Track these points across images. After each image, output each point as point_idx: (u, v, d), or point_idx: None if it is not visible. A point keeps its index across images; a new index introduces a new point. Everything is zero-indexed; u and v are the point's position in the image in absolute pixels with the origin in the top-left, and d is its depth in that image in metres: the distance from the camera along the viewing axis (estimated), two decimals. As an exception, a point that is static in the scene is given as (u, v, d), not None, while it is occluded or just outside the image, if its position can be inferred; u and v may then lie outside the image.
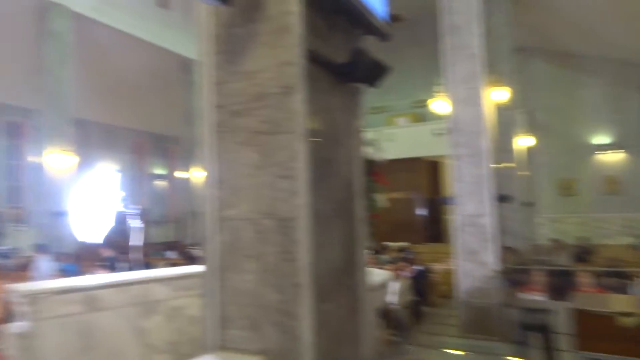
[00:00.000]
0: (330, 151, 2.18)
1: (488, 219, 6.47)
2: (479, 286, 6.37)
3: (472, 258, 6.47)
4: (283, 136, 1.90)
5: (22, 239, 17.00)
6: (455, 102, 6.82)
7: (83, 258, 11.82)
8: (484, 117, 6.83)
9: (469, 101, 6.77)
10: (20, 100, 16.24)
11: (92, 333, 2.92)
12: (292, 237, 1.85)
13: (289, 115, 1.89)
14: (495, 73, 9.86)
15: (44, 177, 13.18)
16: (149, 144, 23.53)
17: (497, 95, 10.29)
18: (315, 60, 2.01)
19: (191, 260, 9.94)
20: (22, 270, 7.50)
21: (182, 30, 17.15)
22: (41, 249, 6.90)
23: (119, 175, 4.67)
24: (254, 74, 1.97)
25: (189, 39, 17.29)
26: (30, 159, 17.84)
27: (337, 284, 2.15)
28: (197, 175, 17.89)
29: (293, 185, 1.87)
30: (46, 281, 3.67)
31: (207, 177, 2.10)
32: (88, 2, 14.61)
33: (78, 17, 14.12)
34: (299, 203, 1.86)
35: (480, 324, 6.20)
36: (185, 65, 18.42)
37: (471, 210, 6.53)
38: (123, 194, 4.24)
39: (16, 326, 2.80)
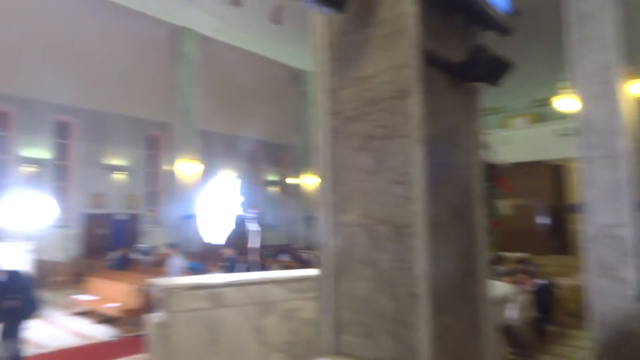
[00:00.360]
0: (447, 155, 2.08)
1: (628, 230, 5.66)
2: (616, 306, 5.60)
3: (607, 274, 5.71)
4: (398, 141, 1.86)
5: (157, 238, 19.18)
6: (585, 98, 6.11)
7: (207, 257, 12.96)
8: (621, 114, 6.03)
9: (602, 97, 6.02)
10: (157, 116, 18.39)
11: (216, 327, 3.15)
12: (407, 244, 1.80)
13: (404, 119, 1.85)
14: (635, 64, 8.66)
15: (175, 183, 14.78)
16: (263, 151, 25.03)
17: (638, 88, 9.01)
18: (431, 61, 1.94)
19: (303, 263, 10.29)
20: (158, 266, 8.47)
21: (293, 44, 17.96)
22: (173, 247, 7.67)
23: (238, 181, 5.09)
24: (368, 78, 1.96)
25: (300, 51, 18.08)
26: (164, 167, 20.10)
27: (456, 296, 2.04)
28: (307, 181, 18.55)
29: (408, 191, 1.81)
30: (178, 277, 4.07)
31: (321, 182, 2.13)
32: (212, 25, 16.02)
33: (204, 40, 15.55)
34: (415, 209, 1.80)
35: (618, 350, 5.44)
36: (296, 77, 19.29)
37: (606, 219, 5.77)
38: (242, 198, 4.55)
39: (155, 316, 3.14)
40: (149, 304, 7.46)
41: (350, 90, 2.03)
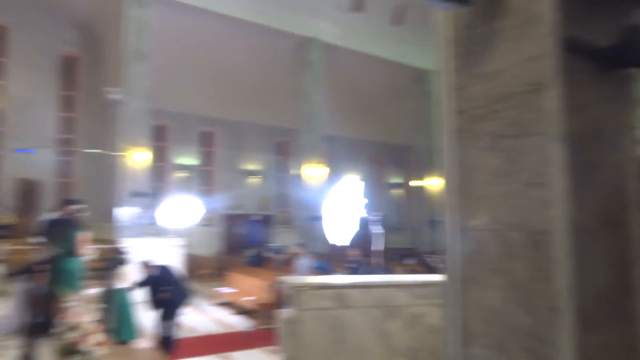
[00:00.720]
0: (593, 153, 1.84)
1: None
2: None
3: None
4: (532, 139, 1.70)
5: (287, 238, 20.31)
6: None
7: (333, 258, 13.35)
8: None
9: None
10: (285, 123, 19.54)
11: (341, 327, 3.21)
12: (546, 253, 1.63)
13: (539, 115, 1.68)
14: None
15: (303, 186, 15.56)
16: (386, 154, 24.94)
17: None
18: (573, 49, 1.73)
19: (428, 268, 10.00)
20: (287, 264, 8.99)
21: (415, 43, 17.59)
22: (302, 247, 8.05)
23: (362, 183, 5.17)
24: (497, 73, 1.83)
25: (423, 51, 17.65)
26: (293, 171, 21.26)
27: (607, 313, 1.79)
28: (432, 183, 18.00)
29: (546, 194, 1.64)
30: (306, 276, 4.26)
31: (447, 185, 2.05)
32: (335, 32, 16.48)
33: (327, 47, 16.07)
34: (554, 215, 1.62)
35: None
36: (419, 76, 18.86)
37: None
38: (365, 201, 4.59)
39: (285, 311, 3.32)
40: (280, 300, 7.96)
41: (477, 88, 1.91)
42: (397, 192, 25.42)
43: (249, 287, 9.72)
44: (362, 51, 17.46)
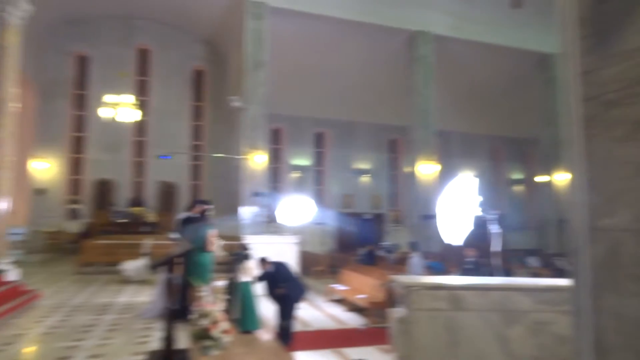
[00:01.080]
0: None
1: None
2: None
3: None
4: (683, 125, 1.46)
5: (399, 237, 20.04)
6: None
7: (447, 258, 12.85)
8: None
9: None
10: (396, 120, 19.29)
11: (456, 330, 3.09)
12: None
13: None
14: None
15: (415, 184, 15.23)
16: (505, 148, 23.25)
17: None
18: None
19: (556, 271, 9.11)
20: (400, 263, 8.88)
21: (536, 26, 16.12)
22: (414, 246, 7.89)
23: (476, 180, 4.87)
24: (634, 52, 1.60)
25: (545, 33, 16.10)
26: (404, 169, 20.92)
27: None
28: (559, 178, 16.34)
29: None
30: (419, 276, 4.17)
31: (574, 180, 1.85)
32: (447, 23, 15.81)
33: (438, 39, 15.51)
34: None
35: None
36: (541, 62, 17.24)
37: None
38: (481, 198, 4.32)
39: (397, 311, 3.30)
40: (392, 299, 7.91)
41: (611, 70, 1.70)
42: (518, 188, 23.56)
43: (361, 285, 9.81)
44: (476, 40, 16.49)
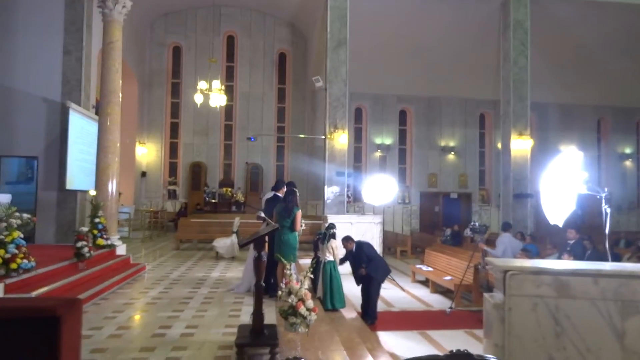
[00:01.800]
0: None
1: None
2: None
3: None
4: None
5: (487, 217, 19.06)
6: None
7: (542, 240, 11.91)
8: None
9: None
10: (486, 94, 18.14)
11: (562, 320, 2.79)
12: None
13: None
14: None
15: (506, 162, 14.23)
16: (613, 119, 20.88)
17: None
18: None
19: (678, 257, 8.01)
20: (489, 245, 8.37)
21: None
22: (506, 227, 7.38)
23: (581, 154, 4.33)
24: None
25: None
26: (495, 145, 19.68)
27: None
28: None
29: None
30: (514, 259, 3.84)
31: None
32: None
33: (534, 1, 14.14)
34: None
35: None
36: (662, 18, 15.00)
37: None
38: (586, 175, 3.84)
39: (492, 296, 3.06)
40: (480, 282, 7.51)
41: None
42: (628, 164, 21.10)
43: (446, 266, 9.45)
44: None
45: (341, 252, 7.00)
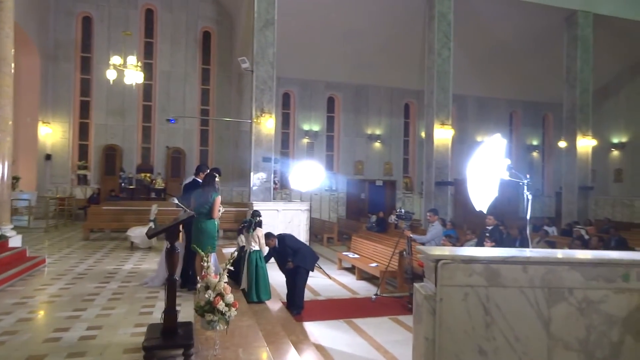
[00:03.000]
0: None
1: None
2: None
3: None
4: None
5: (411, 205, 19.67)
6: None
7: (459, 226, 12.46)
8: None
9: None
10: (411, 84, 18.54)
11: (492, 309, 2.71)
12: None
13: None
14: None
15: (429, 150, 14.65)
16: (523, 113, 22.42)
17: None
18: None
19: (581, 241, 8.67)
20: (413, 231, 8.48)
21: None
22: (435, 213, 7.47)
23: (504, 142, 4.38)
24: None
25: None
26: (418, 134, 20.30)
27: None
28: (582, 144, 15.61)
29: None
30: (448, 247, 3.76)
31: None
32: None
33: (459, -6, 14.49)
34: None
35: None
36: (569, 20, 16.17)
37: None
38: (509, 161, 3.87)
39: (421, 285, 2.91)
40: (405, 268, 7.59)
41: None
42: (535, 155, 22.84)
43: (372, 253, 9.50)
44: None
45: (264, 249, 6.67)
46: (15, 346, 3.89)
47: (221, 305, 3.66)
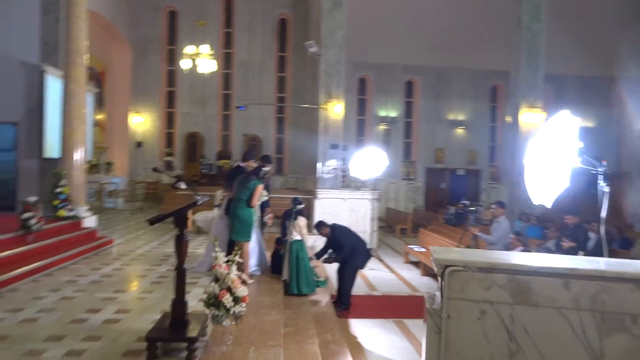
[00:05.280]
0: None
1: None
2: None
3: None
4: None
5: (497, 195, 18.08)
6: None
7: (549, 222, 11.01)
8: None
9: None
10: (498, 65, 16.90)
11: (519, 334, 2.07)
12: None
13: None
14: None
15: (517, 137, 13.20)
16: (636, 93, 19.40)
17: None
18: None
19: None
20: (487, 226, 7.58)
21: None
22: (500, 206, 6.58)
23: (577, 120, 3.54)
24: None
25: None
26: (507, 120, 18.53)
27: None
28: None
29: None
30: (458, 250, 3.09)
31: None
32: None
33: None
34: None
35: None
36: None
37: None
38: (581, 144, 3.05)
39: (434, 297, 2.35)
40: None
41: None
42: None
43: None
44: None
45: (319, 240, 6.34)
46: (43, 325, 3.99)
47: (227, 300, 3.39)
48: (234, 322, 3.48)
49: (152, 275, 6.02)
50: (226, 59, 18.32)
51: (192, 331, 3.45)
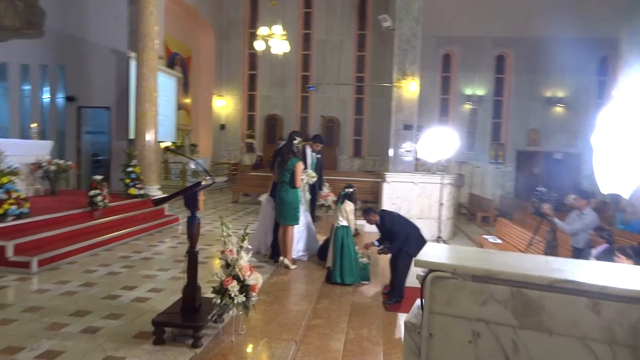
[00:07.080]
0: None
1: None
2: None
3: None
4: None
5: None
6: None
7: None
8: None
9: None
10: (608, 31, 14.75)
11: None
12: None
13: None
14: None
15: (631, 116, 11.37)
16: None
17: None
18: None
19: None
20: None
21: None
22: (586, 197, 5.60)
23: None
24: None
25: None
26: (618, 95, 16.09)
27: None
28: None
29: None
30: (466, 250, 2.47)
31: None
32: None
33: None
34: None
35: None
36: None
37: None
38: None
39: (415, 309, 1.88)
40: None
41: None
42: None
43: (517, 240, 7.79)
44: None
45: (360, 221, 5.92)
46: (76, 299, 4.13)
47: (233, 288, 3.17)
48: (241, 312, 3.26)
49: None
50: (305, 40, 18.19)
51: (201, 318, 3.31)
